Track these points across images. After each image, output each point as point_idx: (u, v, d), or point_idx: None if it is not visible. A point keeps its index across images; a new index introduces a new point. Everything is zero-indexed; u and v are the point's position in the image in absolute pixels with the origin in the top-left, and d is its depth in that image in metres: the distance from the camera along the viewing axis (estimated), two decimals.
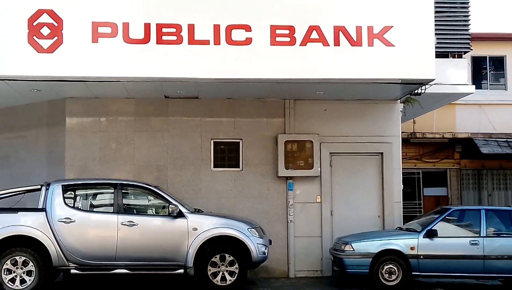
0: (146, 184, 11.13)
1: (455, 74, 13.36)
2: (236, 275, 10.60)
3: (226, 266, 10.63)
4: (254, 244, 10.69)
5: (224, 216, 11.41)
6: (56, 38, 10.35)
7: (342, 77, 10.88)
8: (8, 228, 10.24)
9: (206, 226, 10.65)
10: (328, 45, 10.69)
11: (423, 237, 11.19)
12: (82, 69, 10.48)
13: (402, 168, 13.42)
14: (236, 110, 12.90)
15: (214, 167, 12.83)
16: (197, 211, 11.19)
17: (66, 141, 12.55)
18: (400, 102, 13.23)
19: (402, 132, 13.67)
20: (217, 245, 10.63)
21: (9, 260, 10.18)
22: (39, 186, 10.90)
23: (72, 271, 10.39)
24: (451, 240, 11.29)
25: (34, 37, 10.32)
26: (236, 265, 10.62)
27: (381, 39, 10.75)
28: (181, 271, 10.51)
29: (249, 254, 10.67)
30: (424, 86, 12.12)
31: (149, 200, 11.11)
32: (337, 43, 10.71)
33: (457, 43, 13.67)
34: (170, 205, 10.66)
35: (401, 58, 10.77)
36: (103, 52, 10.43)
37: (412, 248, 11.12)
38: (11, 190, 11.16)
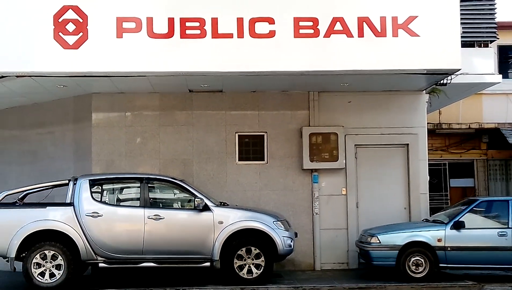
0: (172, 178, 11.20)
1: (481, 63, 13.21)
2: (262, 268, 10.64)
3: (252, 259, 10.66)
4: (280, 237, 10.71)
5: (250, 209, 11.44)
6: (81, 34, 10.42)
7: (367, 69, 10.79)
8: (37, 223, 10.40)
9: (232, 219, 10.69)
10: (352, 37, 10.60)
11: (450, 229, 11.10)
12: (107, 65, 10.54)
13: (428, 159, 13.32)
14: (260, 103, 12.90)
15: (239, 160, 12.86)
16: (223, 205, 11.23)
17: (93, 136, 12.68)
18: (426, 93, 13.11)
19: (427, 123, 13.54)
20: (243, 238, 10.67)
21: (38, 254, 10.33)
22: (67, 181, 11.05)
23: (100, 264, 10.51)
24: (479, 231, 11.19)
25: (60, 33, 10.39)
26: (262, 258, 10.65)
27: (406, 30, 10.63)
28: (208, 264, 10.58)
29: (275, 247, 10.69)
30: (450, 76, 12.02)
31: (174, 194, 11.18)
32: (361, 34, 10.61)
33: (483, 32, 13.50)
34: (196, 199, 10.72)
35: (427, 48, 10.63)
36: (128, 47, 10.48)
37: (439, 240, 11.04)
38: (39, 185, 11.34)
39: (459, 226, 11.08)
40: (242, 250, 10.64)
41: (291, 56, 10.60)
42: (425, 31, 10.63)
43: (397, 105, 12.99)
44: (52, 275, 10.33)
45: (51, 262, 10.35)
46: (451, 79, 12.21)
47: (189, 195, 10.91)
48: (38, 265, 10.33)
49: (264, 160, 12.89)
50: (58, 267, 10.35)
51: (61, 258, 10.34)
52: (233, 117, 12.88)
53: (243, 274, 10.63)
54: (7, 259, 10.40)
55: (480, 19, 13.48)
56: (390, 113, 12.98)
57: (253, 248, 10.66)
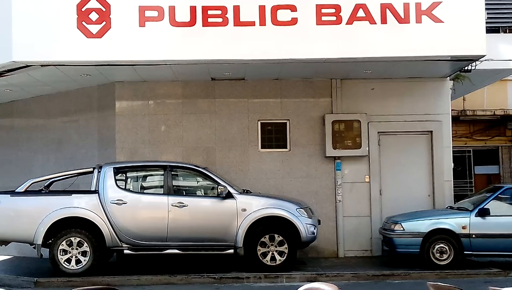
0: (195, 166, 11.27)
1: (507, 49, 13.02)
2: (286, 255, 10.67)
3: (276, 246, 10.70)
4: (303, 224, 10.73)
5: (273, 196, 11.46)
6: (104, 23, 10.47)
7: (390, 55, 10.72)
8: (63, 210, 10.55)
9: (255, 207, 10.73)
10: (375, 23, 10.51)
11: (475, 216, 11.02)
12: (130, 53, 10.59)
13: (452, 146, 13.22)
14: (282, 90, 12.89)
15: (261, 148, 12.88)
16: (246, 192, 11.28)
17: (116, 124, 12.78)
18: (450, 79, 12.98)
19: (452, 110, 13.43)
20: (266, 226, 10.71)
21: (64, 241, 10.49)
22: (92, 169, 11.17)
23: (125, 251, 10.64)
24: (504, 218, 11.10)
25: (83, 23, 10.45)
26: (286, 245, 10.68)
27: (430, 16, 10.51)
28: (231, 251, 10.65)
29: (298, 234, 10.71)
30: (474, 63, 11.88)
31: (198, 181, 11.26)
32: (384, 21, 10.51)
33: (508, 17, 13.31)
34: (219, 186, 10.77)
35: (451, 34, 10.51)
36: (150, 35, 10.51)
37: (463, 227, 10.98)
38: (64, 173, 11.49)
39: (484, 213, 10.99)
40: (265, 237, 10.68)
41: (313, 44, 10.54)
42: (449, 17, 10.51)
43: (421, 92, 12.89)
44: (78, 261, 10.49)
45: (77, 249, 10.50)
46: (475, 65, 12.08)
47: (212, 183, 10.96)
48: (65, 251, 10.49)
49: (286, 148, 12.88)
50: (84, 253, 10.50)
51: (87, 245, 10.48)
52: (256, 105, 12.89)
53: (267, 261, 10.68)
54: (34, 245, 10.58)
55: (505, 4, 13.29)
56: (414, 100, 12.89)
57: (276, 235, 10.70)
